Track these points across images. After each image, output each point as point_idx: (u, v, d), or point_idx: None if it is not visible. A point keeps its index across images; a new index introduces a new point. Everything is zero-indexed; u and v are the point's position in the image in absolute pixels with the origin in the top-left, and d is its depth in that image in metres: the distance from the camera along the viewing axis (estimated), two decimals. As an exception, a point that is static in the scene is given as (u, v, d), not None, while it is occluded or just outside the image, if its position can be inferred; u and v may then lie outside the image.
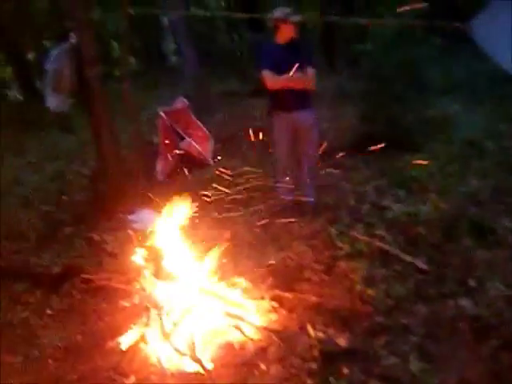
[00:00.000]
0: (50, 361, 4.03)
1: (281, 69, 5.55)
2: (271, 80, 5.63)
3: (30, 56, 20.88)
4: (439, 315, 3.94)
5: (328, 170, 6.95)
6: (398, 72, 7.63)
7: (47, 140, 11.16)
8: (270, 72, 5.60)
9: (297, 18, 5.71)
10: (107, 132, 6.41)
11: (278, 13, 5.66)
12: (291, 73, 5.39)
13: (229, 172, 5.85)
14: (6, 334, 4.45)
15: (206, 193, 5.39)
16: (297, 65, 5.37)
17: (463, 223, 5.12)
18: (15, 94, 22.48)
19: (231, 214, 5.82)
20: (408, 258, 4.69)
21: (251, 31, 15.37)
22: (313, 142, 5.83)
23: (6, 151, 10.01)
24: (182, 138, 8.20)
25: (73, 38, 6.17)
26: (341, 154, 7.20)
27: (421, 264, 4.59)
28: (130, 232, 4.64)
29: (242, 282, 4.35)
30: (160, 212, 4.36)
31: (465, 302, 4.04)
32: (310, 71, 5.59)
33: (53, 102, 6.18)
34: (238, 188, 6.31)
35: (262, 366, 3.59)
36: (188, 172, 7.34)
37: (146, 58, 27.71)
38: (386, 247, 4.90)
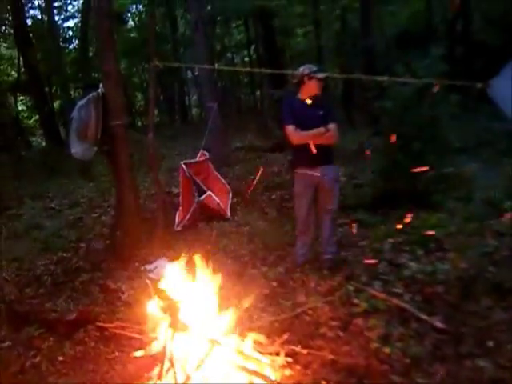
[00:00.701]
0: (60, 408, 3.99)
1: (304, 124, 5.62)
2: (295, 135, 5.69)
3: (56, 104, 21.34)
4: (457, 376, 3.87)
5: (346, 226, 6.98)
6: (417, 129, 7.68)
7: (68, 187, 11.30)
8: (293, 127, 5.66)
9: (323, 75, 5.81)
10: (128, 181, 6.48)
11: (306, 69, 5.76)
12: (315, 129, 5.50)
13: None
14: (17, 378, 4.43)
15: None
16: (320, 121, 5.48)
17: (482, 283, 5.06)
18: (39, 141, 22.94)
19: (248, 269, 5.81)
20: (425, 317, 4.63)
21: (273, 87, 15.61)
22: (334, 198, 5.85)
23: (27, 196, 10.13)
24: (202, 190, 8.25)
25: (100, 88, 6.31)
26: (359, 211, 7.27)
27: (438, 323, 4.52)
28: (146, 281, 4.63)
29: (258, 336, 4.30)
30: (177, 263, 4.36)
31: (483, 363, 3.96)
32: (333, 127, 5.64)
33: (77, 149, 6.28)
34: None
35: (276, 423, 3.54)
36: (206, 224, 7.40)
37: (168, 110, 28.21)
38: (403, 305, 4.85)
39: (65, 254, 6.98)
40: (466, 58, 11.48)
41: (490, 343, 4.19)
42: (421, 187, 7.58)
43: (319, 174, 5.73)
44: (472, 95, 9.24)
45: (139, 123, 23.09)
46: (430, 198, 7.46)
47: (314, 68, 5.77)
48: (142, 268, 5.63)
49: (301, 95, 5.83)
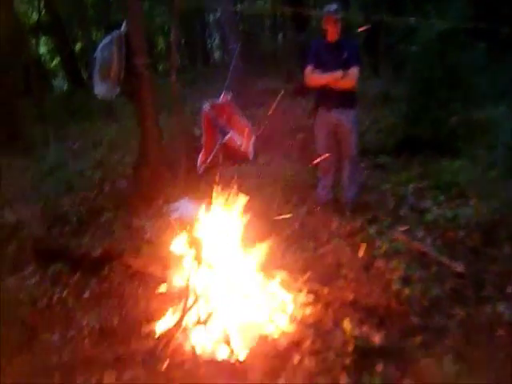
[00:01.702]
0: (86, 341, 4.08)
1: (325, 66, 5.59)
2: (312, 77, 5.70)
3: (77, 46, 21.18)
4: (476, 319, 3.91)
5: (368, 170, 6.96)
6: (443, 75, 7.55)
7: (91, 128, 11.29)
8: (312, 68, 5.64)
9: (343, 15, 5.73)
10: (152, 120, 6.48)
11: (326, 9, 5.68)
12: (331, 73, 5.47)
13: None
14: (44, 313, 4.54)
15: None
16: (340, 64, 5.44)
17: (504, 229, 5.06)
18: (61, 84, 22.87)
19: (271, 209, 5.83)
20: (446, 261, 4.65)
21: (295, 30, 15.35)
22: (352, 142, 5.83)
23: (51, 138, 10.17)
24: (225, 132, 8.23)
25: (123, 28, 6.26)
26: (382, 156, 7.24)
27: (459, 267, 4.55)
28: (170, 220, 4.69)
29: (280, 274, 4.37)
30: (200, 202, 4.40)
31: (503, 308, 4.00)
32: (354, 71, 5.58)
33: (101, 89, 6.27)
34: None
35: (296, 359, 3.60)
36: (228, 166, 7.40)
37: (190, 54, 27.90)
38: (425, 248, 4.88)
39: (89, 194, 7.04)
40: (493, 3, 11.13)
41: (510, 289, 4.22)
42: (445, 133, 7.50)
43: (336, 117, 5.77)
44: (498, 44, 9.06)
45: (160, 67, 22.86)
46: (454, 144, 7.40)
47: (335, 7, 5.67)
48: (166, 207, 5.74)
49: (326, 38, 5.77)
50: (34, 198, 6.89)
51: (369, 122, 8.89)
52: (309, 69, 5.71)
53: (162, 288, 4.44)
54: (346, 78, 5.57)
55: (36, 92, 13.65)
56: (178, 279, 4.30)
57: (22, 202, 6.81)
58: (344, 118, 5.75)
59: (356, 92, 5.86)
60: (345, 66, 5.56)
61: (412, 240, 5.05)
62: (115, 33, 6.26)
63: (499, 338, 3.69)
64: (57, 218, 6.30)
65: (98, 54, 6.28)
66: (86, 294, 4.76)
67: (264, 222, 5.10)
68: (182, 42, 25.56)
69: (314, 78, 5.69)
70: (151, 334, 4.04)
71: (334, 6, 5.65)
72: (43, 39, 22.27)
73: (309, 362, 3.55)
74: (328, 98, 5.69)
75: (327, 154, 5.81)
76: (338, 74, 5.54)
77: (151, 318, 4.19)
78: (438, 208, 5.77)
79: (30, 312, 4.55)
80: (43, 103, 13.31)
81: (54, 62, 23.39)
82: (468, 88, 7.84)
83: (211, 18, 26.31)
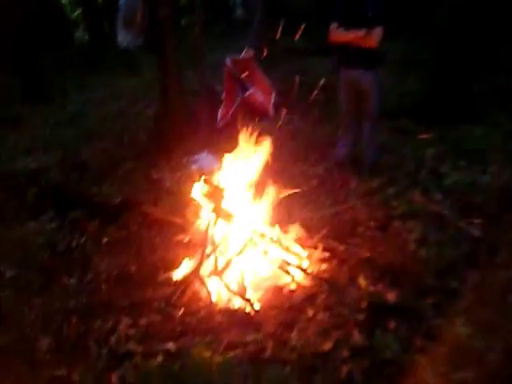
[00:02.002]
0: (103, 286, 4.15)
1: (351, 23, 5.51)
2: (334, 33, 5.64)
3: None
4: (490, 283, 3.90)
5: (388, 133, 6.91)
6: (469, 39, 7.43)
7: (112, 80, 11.21)
8: (336, 24, 5.58)
9: None
10: (173, 73, 6.46)
11: None
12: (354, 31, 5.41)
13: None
14: (63, 258, 4.61)
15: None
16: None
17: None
18: (83, 35, 22.72)
19: (289, 166, 5.84)
20: (463, 225, 4.65)
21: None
22: (372, 102, 5.76)
23: (72, 88, 10.17)
24: (246, 88, 8.18)
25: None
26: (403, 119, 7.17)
27: (475, 231, 4.54)
28: (189, 172, 4.71)
29: (297, 229, 4.39)
30: (219, 155, 4.41)
31: (518, 271, 4.00)
32: (377, 31, 5.48)
33: (124, 38, 6.27)
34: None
35: (310, 313, 3.65)
36: (248, 122, 7.37)
37: (212, 10, 27.56)
38: (442, 211, 4.87)
39: (109, 143, 7.06)
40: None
41: (526, 255, 4.21)
42: (469, 99, 7.42)
43: (357, 76, 5.72)
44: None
45: (183, 22, 22.66)
46: (477, 110, 7.31)
47: None
48: (186, 160, 5.76)
49: None
50: (54, 146, 6.92)
51: (391, 83, 8.78)
52: (333, 25, 5.63)
53: (180, 237, 4.49)
54: (369, 38, 5.48)
55: (57, 42, 13.58)
56: (196, 229, 4.34)
57: (42, 149, 6.86)
58: (364, 78, 5.69)
59: (379, 52, 5.76)
60: (369, 24, 5.47)
61: (429, 203, 5.04)
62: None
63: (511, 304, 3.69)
64: (76, 166, 6.34)
65: (122, 2, 6.25)
66: (104, 241, 4.81)
67: (281, 179, 5.11)
68: (205, -3, 25.23)
69: (337, 35, 5.61)
70: (168, 281, 4.11)
71: None
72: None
73: (322, 316, 3.59)
74: (350, 56, 5.64)
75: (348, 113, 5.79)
76: (361, 32, 5.45)
77: (168, 266, 4.26)
78: (457, 173, 5.72)
79: (49, 256, 4.63)
80: (64, 54, 13.25)
81: (76, 13, 23.23)
82: (493, 50, 7.72)
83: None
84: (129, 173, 6.11)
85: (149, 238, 4.75)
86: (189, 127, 6.56)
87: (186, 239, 4.47)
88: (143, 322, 3.71)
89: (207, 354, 3.29)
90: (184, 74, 7.00)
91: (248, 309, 3.72)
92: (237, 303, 3.80)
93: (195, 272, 3.94)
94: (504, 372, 3.05)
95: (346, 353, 3.25)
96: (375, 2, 5.61)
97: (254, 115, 7.88)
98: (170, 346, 3.42)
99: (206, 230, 4.04)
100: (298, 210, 4.89)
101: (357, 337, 3.39)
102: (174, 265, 4.24)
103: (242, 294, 3.81)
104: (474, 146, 6.28)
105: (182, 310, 3.77)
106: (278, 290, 3.93)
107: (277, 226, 4.30)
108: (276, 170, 5.67)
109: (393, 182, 5.58)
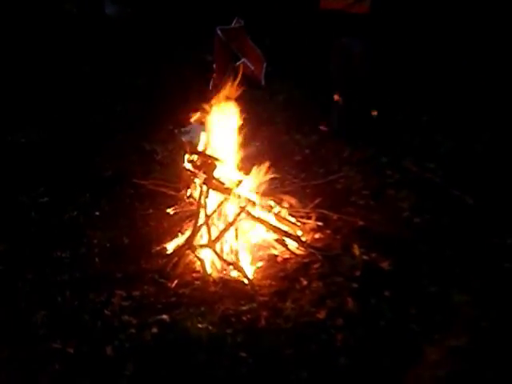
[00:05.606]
0: (96, 259, 4.12)
1: None
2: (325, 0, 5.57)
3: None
4: (484, 251, 3.91)
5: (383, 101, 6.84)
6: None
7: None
8: None
9: None
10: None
11: None
12: None
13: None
14: (56, 231, 4.57)
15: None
16: None
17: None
18: (71, 7, 22.39)
19: (282, 136, 5.80)
20: (457, 192, 4.64)
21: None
22: (365, 69, 5.71)
23: (60, 62, 10.00)
24: (237, 57, 8.09)
25: None
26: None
27: (469, 199, 4.54)
28: (181, 143, 4.67)
29: (290, 199, 4.37)
30: (210, 127, 4.36)
31: (511, 241, 3.99)
32: None
33: (112, 9, 6.19)
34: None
35: (304, 281, 3.66)
36: (240, 92, 7.29)
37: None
38: (436, 179, 4.86)
39: (100, 116, 6.96)
40: None
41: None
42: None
43: (350, 43, 5.69)
44: None
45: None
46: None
47: None
48: (177, 131, 5.71)
49: None
50: (46, 120, 6.81)
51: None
52: None
53: (173, 209, 4.46)
54: (360, 5, 5.42)
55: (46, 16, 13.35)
56: (188, 200, 4.32)
57: (31, 123, 6.77)
58: (357, 45, 5.63)
59: (372, 20, 5.70)
60: None
61: (424, 171, 5.02)
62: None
63: (506, 272, 3.70)
64: (66, 138, 6.25)
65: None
66: (97, 214, 4.77)
67: (274, 149, 5.08)
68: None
69: (328, 1, 5.54)
70: (161, 253, 4.09)
71: None
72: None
73: (316, 285, 3.60)
74: (342, 23, 5.57)
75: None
76: None
77: (161, 238, 4.24)
78: (452, 141, 5.69)
79: (42, 230, 4.59)
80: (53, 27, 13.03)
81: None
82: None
83: None
84: (120, 145, 6.02)
85: (141, 210, 4.72)
86: (180, 98, 6.48)
87: (179, 211, 4.44)
88: (137, 293, 3.70)
89: (202, 324, 3.29)
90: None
91: (242, 278, 3.71)
92: (231, 273, 3.80)
93: (188, 243, 3.91)
94: (498, 339, 3.06)
95: (340, 321, 3.26)
96: None
97: (246, 84, 7.83)
98: (165, 317, 3.41)
99: (199, 201, 4.01)
100: (290, 180, 4.87)
101: (351, 305, 3.40)
102: (168, 236, 4.23)
103: (235, 263, 3.80)
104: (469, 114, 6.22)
105: (176, 281, 3.76)
106: (272, 259, 3.94)
107: (270, 196, 4.28)
108: (268, 139, 5.67)
109: (387, 150, 5.55)
